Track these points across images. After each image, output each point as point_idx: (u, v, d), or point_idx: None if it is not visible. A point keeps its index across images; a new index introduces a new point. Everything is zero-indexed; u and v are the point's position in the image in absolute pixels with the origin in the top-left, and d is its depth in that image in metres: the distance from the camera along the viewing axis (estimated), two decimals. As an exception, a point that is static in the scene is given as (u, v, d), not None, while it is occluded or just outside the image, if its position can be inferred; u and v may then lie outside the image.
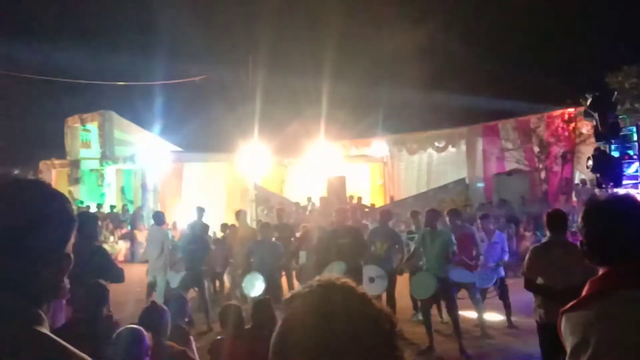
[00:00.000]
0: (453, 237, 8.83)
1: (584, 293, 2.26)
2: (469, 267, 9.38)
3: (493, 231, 10.48)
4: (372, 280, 9.30)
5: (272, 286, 9.38)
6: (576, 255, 2.35)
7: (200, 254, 10.84)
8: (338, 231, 9.89)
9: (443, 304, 9.41)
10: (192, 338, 5.55)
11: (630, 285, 2.12)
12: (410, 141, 27.05)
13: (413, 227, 10.85)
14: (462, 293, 9.53)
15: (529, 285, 5.93)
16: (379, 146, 27.42)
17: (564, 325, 2.26)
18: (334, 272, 9.10)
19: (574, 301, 2.27)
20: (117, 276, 6.34)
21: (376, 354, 1.26)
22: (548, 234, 6.10)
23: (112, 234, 21.49)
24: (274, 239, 10.97)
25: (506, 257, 10.39)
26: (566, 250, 5.55)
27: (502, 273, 10.23)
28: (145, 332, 3.98)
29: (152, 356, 4.04)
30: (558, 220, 5.91)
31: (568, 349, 2.21)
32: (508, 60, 20.92)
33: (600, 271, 2.26)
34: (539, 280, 5.80)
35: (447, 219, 9.91)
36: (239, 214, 12.23)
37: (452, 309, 8.66)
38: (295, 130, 25.70)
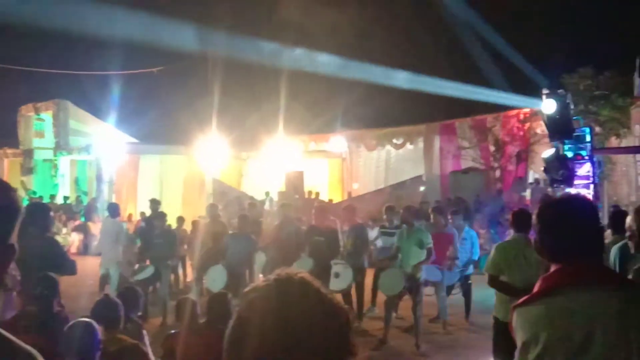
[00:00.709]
0: (429, 236, 8.84)
1: (535, 289, 2.30)
2: (440, 264, 9.39)
3: (462, 228, 10.55)
4: (336, 275, 9.30)
5: (237, 280, 9.32)
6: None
7: (167, 248, 10.65)
8: (314, 228, 9.89)
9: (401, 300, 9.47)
10: (145, 332, 5.49)
11: (578, 283, 2.16)
12: (369, 137, 27.16)
13: (386, 223, 10.80)
14: (428, 290, 9.61)
15: (493, 282, 6.01)
16: (338, 142, 27.45)
17: (515, 320, 2.30)
18: (303, 267, 9.17)
19: (525, 297, 2.31)
20: (69, 269, 6.20)
21: (330, 347, 1.26)
22: (512, 232, 6.22)
23: (65, 225, 21.09)
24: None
25: (475, 257, 10.49)
26: (529, 248, 5.64)
27: (470, 270, 10.35)
28: (97, 326, 3.92)
29: (104, 350, 3.98)
30: (522, 219, 6.00)
31: (518, 344, 2.25)
32: (466, 60, 21.13)
33: (552, 268, 2.30)
34: (503, 278, 5.88)
35: (432, 216, 9.92)
36: (210, 208, 12.06)
37: (418, 308, 8.71)
38: (254, 125, 25.55)
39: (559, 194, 11.36)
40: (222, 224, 11.52)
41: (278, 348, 1.23)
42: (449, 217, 10.47)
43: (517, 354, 2.25)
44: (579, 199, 2.48)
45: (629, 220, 3.84)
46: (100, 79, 26.91)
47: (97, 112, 25.51)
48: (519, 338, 2.25)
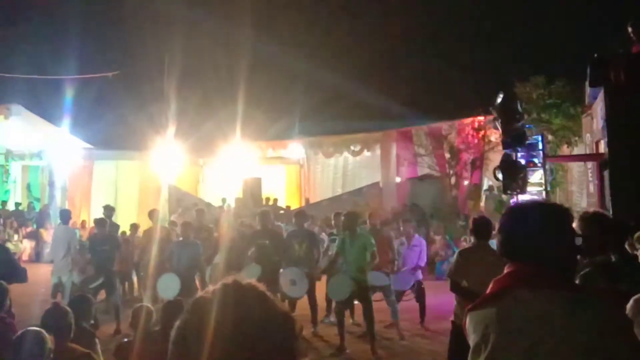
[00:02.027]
0: (372, 240, 8.91)
1: (487, 291, 2.33)
2: (385, 269, 9.50)
3: (412, 235, 10.68)
4: (293, 282, 9.29)
5: (188, 287, 9.23)
6: (499, 259, 2.40)
7: (111, 254, 10.53)
8: (258, 233, 9.88)
9: (356, 306, 9.52)
10: (97, 340, 5.39)
11: (527, 285, 2.19)
12: (327, 144, 27.21)
13: (334, 230, 10.91)
14: (378, 295, 9.67)
15: (454, 288, 6.09)
16: (296, 148, 27.46)
17: (468, 323, 2.32)
18: (249, 274, 9.12)
19: (477, 300, 2.34)
20: (20, 276, 6.08)
21: (274, 353, 1.26)
22: (473, 239, 6.31)
23: (17, 232, 20.62)
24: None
25: (422, 263, 10.62)
26: (490, 254, 5.70)
27: (420, 276, 10.46)
28: (46, 334, 3.84)
29: (54, 359, 3.90)
30: (483, 226, 6.09)
31: (471, 346, 2.27)
32: (422, 68, 21.39)
33: (505, 271, 2.33)
34: (464, 283, 5.95)
35: (367, 221, 10.02)
36: (152, 214, 11.93)
37: (369, 312, 8.75)
38: (211, 130, 25.37)
39: (511, 201, 11.59)
40: (167, 229, 11.41)
41: (221, 352, 1.23)
42: (400, 224, 10.65)
43: (469, 356, 2.27)
44: (542, 203, 2.51)
45: (574, 226, 3.93)
46: (53, 83, 26.41)
47: (50, 117, 24.98)
48: (472, 341, 2.27)
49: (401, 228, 10.81)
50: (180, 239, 10.29)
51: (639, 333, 2.71)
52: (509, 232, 2.35)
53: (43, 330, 3.89)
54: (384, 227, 10.52)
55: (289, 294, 9.39)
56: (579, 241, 2.30)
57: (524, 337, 2.11)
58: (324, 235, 13.27)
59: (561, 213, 2.35)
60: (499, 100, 11.08)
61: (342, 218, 9.63)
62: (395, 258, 9.87)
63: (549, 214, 2.34)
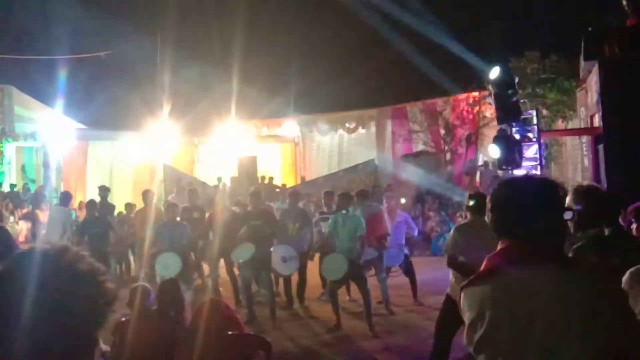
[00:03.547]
0: (363, 223, 8.94)
1: (481, 269, 2.33)
2: (377, 246, 9.53)
3: (396, 210, 10.71)
4: (284, 260, 9.34)
5: (183, 267, 9.25)
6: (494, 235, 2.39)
7: (103, 236, 10.53)
8: (251, 213, 9.88)
9: (352, 283, 9.56)
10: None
11: (521, 261, 2.19)
12: (322, 122, 27.18)
13: (325, 209, 10.92)
14: (372, 271, 9.72)
15: (451, 263, 6.12)
16: (291, 126, 27.41)
17: (462, 300, 2.32)
18: (243, 253, 9.16)
19: (472, 277, 2.35)
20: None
21: (76, 317, 1.30)
22: (469, 215, 6.33)
23: (12, 214, 20.58)
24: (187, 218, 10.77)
25: (415, 233, 10.68)
26: (487, 230, 5.69)
27: (406, 250, 10.52)
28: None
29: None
30: (479, 201, 6.10)
31: (466, 323, 2.28)
32: (416, 44, 21.24)
33: (498, 247, 2.33)
34: (460, 259, 5.98)
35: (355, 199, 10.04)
36: (146, 195, 11.89)
37: (364, 289, 8.80)
38: (206, 109, 25.29)
39: (507, 175, 11.61)
40: (160, 210, 11.37)
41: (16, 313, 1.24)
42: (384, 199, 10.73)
43: (465, 333, 2.28)
44: (532, 178, 2.49)
45: (568, 200, 3.94)
46: (46, 64, 26.22)
47: (43, 98, 24.85)
48: (467, 318, 2.26)
49: (384, 204, 10.81)
50: (165, 221, 10.21)
51: (634, 305, 2.74)
52: (501, 208, 2.34)
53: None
54: (375, 203, 10.51)
55: (280, 271, 9.46)
56: (568, 215, 2.30)
57: (519, 313, 2.12)
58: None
59: (552, 187, 2.34)
60: (494, 75, 11.05)
61: (336, 198, 9.65)
62: (388, 232, 9.88)
63: (541, 188, 2.34)
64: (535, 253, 2.21)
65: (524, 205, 2.28)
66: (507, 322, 2.14)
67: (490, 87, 11.60)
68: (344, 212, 9.08)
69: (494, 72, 11.04)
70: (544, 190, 2.33)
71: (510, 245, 2.27)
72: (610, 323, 2.06)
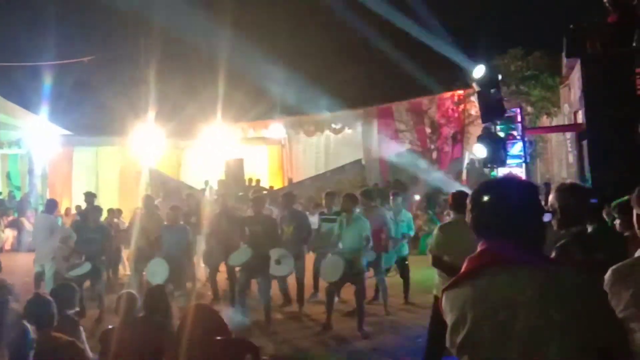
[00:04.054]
0: (368, 224, 8.89)
1: (462, 270, 2.33)
2: (376, 247, 9.47)
3: (401, 209, 10.73)
4: (277, 262, 9.30)
5: (177, 272, 9.23)
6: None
7: (102, 242, 10.41)
8: (251, 218, 9.87)
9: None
10: (81, 328, 5.39)
11: (501, 262, 2.20)
12: (308, 123, 27.15)
13: (325, 210, 10.88)
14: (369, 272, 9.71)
15: (436, 263, 6.13)
16: (277, 128, 27.38)
17: (444, 303, 2.32)
18: (239, 258, 9.16)
19: (453, 279, 2.35)
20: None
21: None
22: (452, 214, 6.33)
23: (-2, 221, 20.46)
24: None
25: (412, 233, 10.72)
26: (469, 229, 5.69)
27: (406, 252, 10.52)
28: (28, 325, 3.83)
29: (37, 349, 3.90)
30: (462, 201, 6.11)
31: (448, 325, 2.28)
32: (400, 44, 21.29)
33: (478, 248, 2.34)
34: (445, 258, 5.99)
35: (360, 200, 9.98)
36: (145, 200, 11.80)
37: (360, 294, 8.76)
38: (191, 113, 25.21)
39: (492, 173, 11.66)
40: (158, 215, 11.34)
41: None
42: (391, 198, 10.71)
43: (447, 336, 2.28)
44: (511, 180, 2.50)
45: (551, 198, 3.96)
46: (29, 71, 26.06)
47: (27, 104, 24.66)
48: (449, 320, 2.27)
49: (391, 202, 10.81)
50: (167, 224, 10.23)
51: (617, 303, 2.76)
52: (480, 209, 2.35)
53: (24, 321, 3.87)
54: (377, 206, 10.45)
55: (274, 273, 9.43)
56: (547, 217, 2.32)
57: (500, 315, 2.12)
58: (308, 214, 13.28)
59: (531, 189, 2.36)
60: (478, 73, 11.09)
61: (341, 199, 9.61)
62: (391, 235, 9.87)
63: (520, 190, 2.35)
64: (515, 254, 2.22)
65: (503, 206, 2.29)
66: (488, 323, 2.14)
67: (474, 86, 11.64)
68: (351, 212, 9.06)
69: (478, 71, 11.10)
70: (523, 192, 2.34)
71: (490, 246, 2.27)
72: (591, 322, 2.06)
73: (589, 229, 4.06)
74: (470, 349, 2.18)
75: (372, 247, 8.95)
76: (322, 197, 11.35)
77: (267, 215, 10.36)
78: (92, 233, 10.39)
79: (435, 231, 6.40)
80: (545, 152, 20.44)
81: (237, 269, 9.97)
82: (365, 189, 11.54)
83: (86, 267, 9.94)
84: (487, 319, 2.15)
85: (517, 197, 2.32)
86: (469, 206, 2.40)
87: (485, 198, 2.34)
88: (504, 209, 2.27)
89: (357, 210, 9.32)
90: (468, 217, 2.41)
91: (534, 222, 2.30)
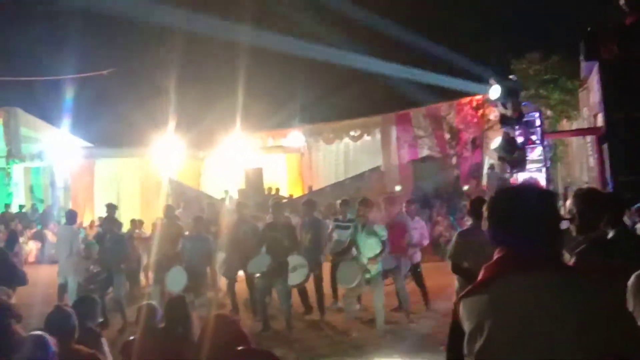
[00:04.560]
0: (384, 228, 8.89)
1: (479, 278, 2.32)
2: (396, 253, 9.42)
3: (413, 217, 10.68)
4: (293, 269, 9.29)
5: (197, 281, 9.29)
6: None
7: (118, 252, 10.55)
8: (270, 224, 9.90)
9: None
10: (103, 340, 5.42)
11: (518, 269, 2.19)
12: (327, 131, 27.20)
13: (340, 217, 10.87)
14: (388, 279, 9.67)
15: (455, 269, 6.10)
16: (296, 137, 27.43)
17: (461, 310, 2.31)
18: (258, 265, 9.18)
19: (470, 287, 2.34)
20: (20, 279, 6.13)
21: None
22: (471, 220, 6.29)
23: (22, 234, 20.68)
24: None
25: (425, 242, 10.64)
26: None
27: (418, 258, 10.45)
28: (49, 338, 3.86)
29: (58, 361, 3.92)
30: (481, 207, 6.06)
31: (466, 334, 2.27)
32: (418, 49, 21.28)
33: (495, 255, 2.33)
34: (465, 265, 5.96)
35: (383, 207, 9.96)
36: (166, 209, 11.87)
37: (379, 299, 8.76)
38: (211, 123, 25.36)
39: (512, 178, 11.57)
40: (178, 225, 11.41)
41: None
42: (404, 206, 10.64)
43: (465, 344, 2.26)
44: (528, 186, 2.48)
45: (569, 203, 3.94)
46: (50, 84, 26.39)
47: (48, 118, 25.01)
48: (466, 328, 2.25)
49: (404, 209, 10.74)
50: (187, 233, 10.31)
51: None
52: (497, 217, 2.34)
53: (45, 334, 3.91)
54: (399, 213, 10.39)
55: (289, 281, 9.44)
56: (564, 225, 2.31)
57: (517, 323, 2.11)
58: (328, 222, 13.27)
59: (548, 196, 2.35)
60: (494, 95, 10.94)
61: (357, 205, 9.60)
62: (411, 241, 9.82)
63: (536, 197, 2.33)
64: (532, 261, 2.21)
65: (520, 214, 2.27)
66: (505, 331, 2.13)
67: (489, 94, 11.55)
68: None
69: (494, 92, 10.96)
70: (540, 199, 2.33)
71: (507, 254, 2.26)
72: (607, 329, 2.04)
73: (610, 233, 4.02)
74: (488, 357, 2.17)
75: (387, 252, 8.91)
76: (337, 204, 11.37)
77: (286, 221, 10.35)
78: (108, 243, 10.52)
79: (455, 237, 6.38)
80: (567, 156, 20.27)
81: (256, 276, 10.01)
82: (387, 196, 11.51)
83: (103, 275, 10.10)
84: (504, 327, 2.13)
85: (534, 204, 2.30)
86: (485, 213, 2.39)
87: (502, 206, 2.33)
88: (521, 217, 2.26)
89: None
90: (484, 225, 2.40)
91: (552, 229, 2.28)
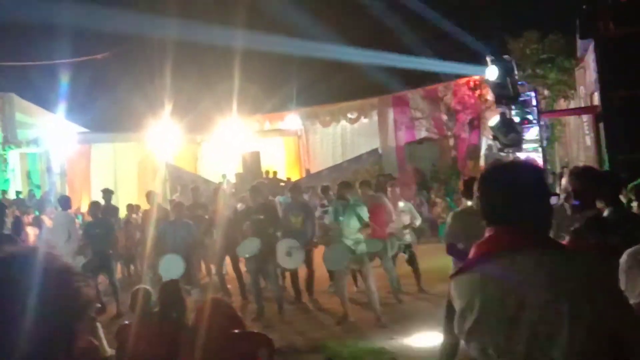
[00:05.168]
0: (365, 209, 8.91)
1: (470, 256, 2.30)
2: (380, 236, 9.46)
3: (398, 200, 10.63)
4: (289, 253, 9.29)
5: (187, 267, 9.26)
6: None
7: (105, 237, 10.51)
8: (252, 208, 9.88)
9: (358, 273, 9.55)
10: (99, 324, 5.42)
11: (509, 248, 2.16)
12: (323, 114, 27.14)
13: (325, 201, 10.91)
14: (376, 262, 9.68)
15: (450, 250, 6.10)
16: (293, 120, 27.40)
17: (452, 289, 2.29)
18: (248, 248, 9.16)
19: (460, 266, 2.32)
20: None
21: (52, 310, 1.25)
22: (464, 201, 6.27)
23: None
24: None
25: (417, 222, 10.61)
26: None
27: (409, 239, 10.43)
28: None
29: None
30: (473, 187, 6.04)
31: (457, 312, 2.25)
32: (414, 30, 21.17)
33: (486, 234, 2.30)
34: (460, 245, 5.94)
35: (358, 190, 9.98)
36: (149, 196, 11.88)
37: (367, 279, 8.79)
38: (207, 107, 25.28)
39: (508, 158, 11.53)
40: (165, 210, 11.38)
41: None
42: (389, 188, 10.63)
43: (455, 323, 2.25)
44: (517, 164, 2.44)
45: (564, 182, 3.91)
46: (44, 69, 26.24)
47: (44, 103, 24.90)
48: (457, 307, 2.24)
49: (389, 192, 10.65)
50: (170, 219, 10.23)
51: (632, 288, 2.71)
52: (487, 195, 2.31)
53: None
54: (379, 193, 10.42)
55: (285, 265, 9.43)
56: (553, 200, 2.27)
57: (509, 301, 2.09)
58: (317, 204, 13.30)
59: (537, 172, 2.32)
60: (491, 76, 10.88)
61: (358, 187, 9.63)
62: (392, 221, 9.80)
63: (526, 174, 2.31)
64: (523, 239, 2.18)
65: (510, 191, 2.24)
66: (496, 310, 2.11)
67: (486, 75, 11.47)
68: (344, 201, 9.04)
69: (492, 74, 10.88)
70: (529, 176, 2.30)
71: (498, 232, 2.24)
72: (601, 307, 2.02)
73: (606, 212, 4.00)
74: (478, 336, 2.15)
75: (369, 232, 8.90)
76: (319, 190, 11.42)
77: (266, 203, 10.31)
78: (94, 228, 10.49)
79: (449, 218, 6.36)
80: (564, 136, 20.23)
81: (241, 263, 10.04)
82: (364, 179, 11.52)
83: (96, 263, 10.07)
84: (495, 306, 2.11)
85: (523, 180, 2.27)
86: (476, 192, 2.37)
87: (491, 183, 2.30)
88: (510, 194, 2.23)
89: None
90: (476, 203, 2.37)
91: (542, 205, 2.26)
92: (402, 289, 10.02)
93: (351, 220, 8.78)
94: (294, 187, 11.19)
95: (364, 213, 8.80)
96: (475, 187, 2.39)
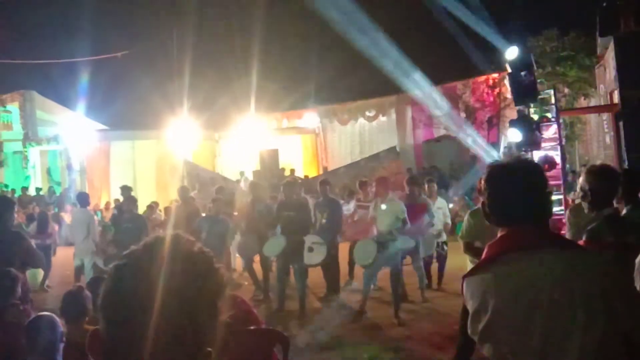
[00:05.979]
0: (404, 207, 8.86)
1: (482, 257, 2.29)
2: (416, 233, 9.37)
3: (436, 197, 10.62)
4: (310, 249, 9.29)
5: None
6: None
7: (137, 232, 10.52)
8: (284, 203, 9.89)
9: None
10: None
11: (523, 247, 2.15)
12: (342, 112, 27.08)
13: (320, 199, 10.74)
14: (407, 259, 9.65)
15: (467, 249, 6.08)
16: (311, 118, 27.39)
17: (465, 290, 2.29)
18: (276, 245, 9.18)
19: (474, 266, 2.31)
20: (36, 262, 6.17)
21: (195, 307, 1.25)
22: (482, 199, 6.22)
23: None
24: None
25: (448, 221, 10.62)
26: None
27: (444, 237, 10.41)
28: (57, 319, 3.88)
29: (68, 341, 3.95)
30: None
31: (470, 313, 2.24)
32: (432, 28, 21.07)
33: (498, 234, 2.29)
34: (477, 244, 5.92)
35: (406, 187, 9.88)
36: (181, 191, 11.87)
37: (396, 279, 8.76)
38: (226, 104, 25.35)
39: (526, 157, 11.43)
40: (195, 206, 11.45)
41: (138, 308, 1.21)
42: (425, 186, 10.58)
43: (469, 323, 2.24)
44: (523, 162, 2.41)
45: (581, 180, 3.87)
46: (65, 67, 26.52)
47: (64, 101, 25.16)
48: (470, 307, 2.23)
49: (426, 190, 10.62)
50: (204, 214, 10.31)
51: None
52: (494, 195, 2.29)
53: (53, 315, 3.93)
54: (421, 195, 10.30)
55: (306, 261, 9.42)
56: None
57: (522, 301, 2.08)
58: (343, 203, 13.22)
59: (539, 170, 2.31)
60: (511, 55, 10.87)
61: (374, 184, 9.60)
62: (432, 222, 9.75)
63: (531, 172, 2.29)
64: (535, 238, 2.17)
65: (517, 189, 2.23)
66: (510, 310, 2.10)
67: (507, 67, 11.42)
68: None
69: (511, 53, 10.90)
70: (534, 173, 2.28)
71: (510, 232, 2.23)
72: (615, 308, 2.01)
73: (624, 210, 3.96)
74: (492, 336, 2.15)
75: (405, 229, 8.86)
76: (357, 185, 11.37)
77: (299, 200, 10.28)
78: (127, 223, 10.52)
79: (466, 217, 6.33)
80: (584, 134, 20.05)
81: (272, 258, 10.02)
82: (411, 175, 11.44)
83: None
84: (509, 306, 2.10)
85: (528, 179, 2.26)
86: (484, 191, 2.35)
87: (497, 183, 2.29)
88: (517, 193, 2.21)
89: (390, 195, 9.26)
90: (484, 201, 2.35)
91: (546, 203, 2.26)
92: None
93: (387, 217, 8.76)
94: (323, 183, 11.03)
95: (402, 212, 8.76)
96: (482, 185, 2.37)
